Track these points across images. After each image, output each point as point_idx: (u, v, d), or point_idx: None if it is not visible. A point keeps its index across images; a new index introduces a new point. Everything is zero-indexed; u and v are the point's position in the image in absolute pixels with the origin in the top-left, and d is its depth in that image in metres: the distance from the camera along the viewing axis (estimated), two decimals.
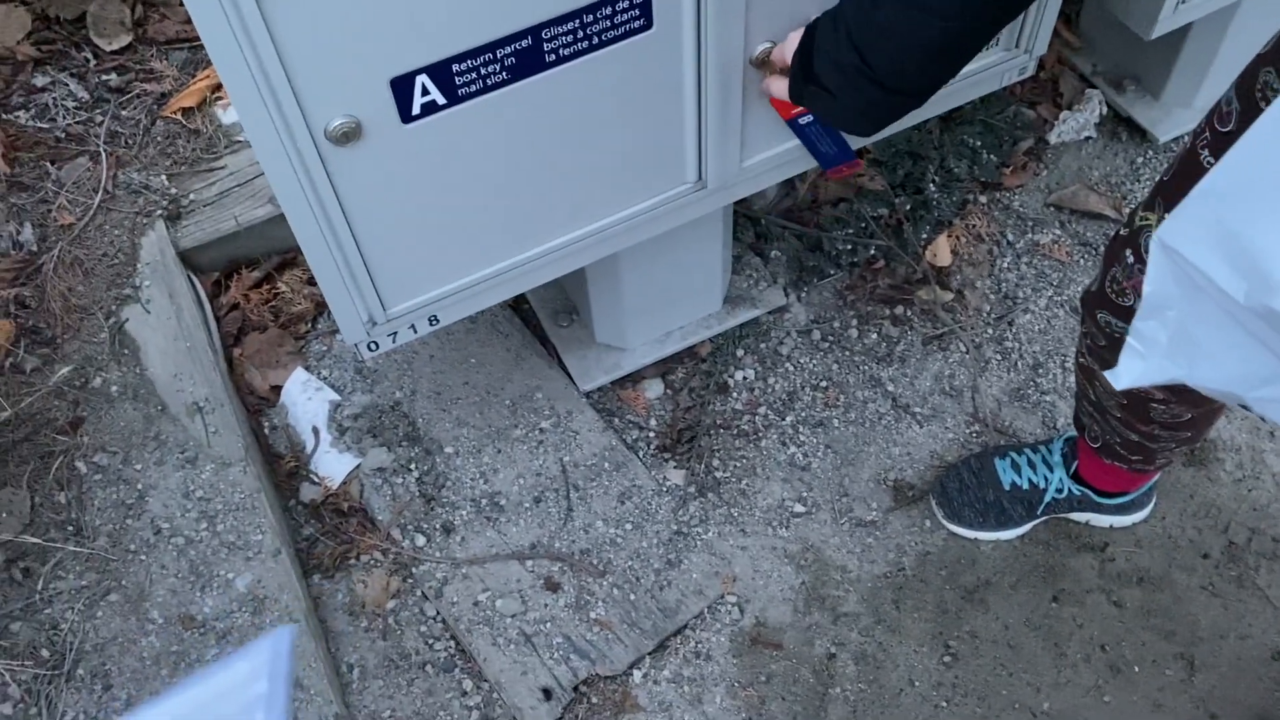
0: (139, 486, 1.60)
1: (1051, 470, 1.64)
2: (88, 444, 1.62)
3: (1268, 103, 0.97)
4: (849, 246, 1.89)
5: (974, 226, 1.95)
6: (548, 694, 1.55)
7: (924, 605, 1.65)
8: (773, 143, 1.35)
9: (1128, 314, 1.19)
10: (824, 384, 1.82)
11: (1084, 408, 1.44)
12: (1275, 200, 0.67)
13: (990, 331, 1.87)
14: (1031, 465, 1.65)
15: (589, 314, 1.75)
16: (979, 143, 1.95)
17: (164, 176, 1.83)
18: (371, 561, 1.64)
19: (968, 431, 1.78)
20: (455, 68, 1.06)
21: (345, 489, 1.69)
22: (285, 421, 1.75)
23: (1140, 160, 2.02)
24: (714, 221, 1.61)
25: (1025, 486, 1.65)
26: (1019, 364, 1.84)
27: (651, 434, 1.77)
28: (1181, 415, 1.30)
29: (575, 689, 1.56)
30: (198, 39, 1.84)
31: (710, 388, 1.81)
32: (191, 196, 1.82)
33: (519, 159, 1.20)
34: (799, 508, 1.72)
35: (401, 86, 1.05)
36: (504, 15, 1.05)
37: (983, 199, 1.98)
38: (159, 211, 1.79)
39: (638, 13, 1.12)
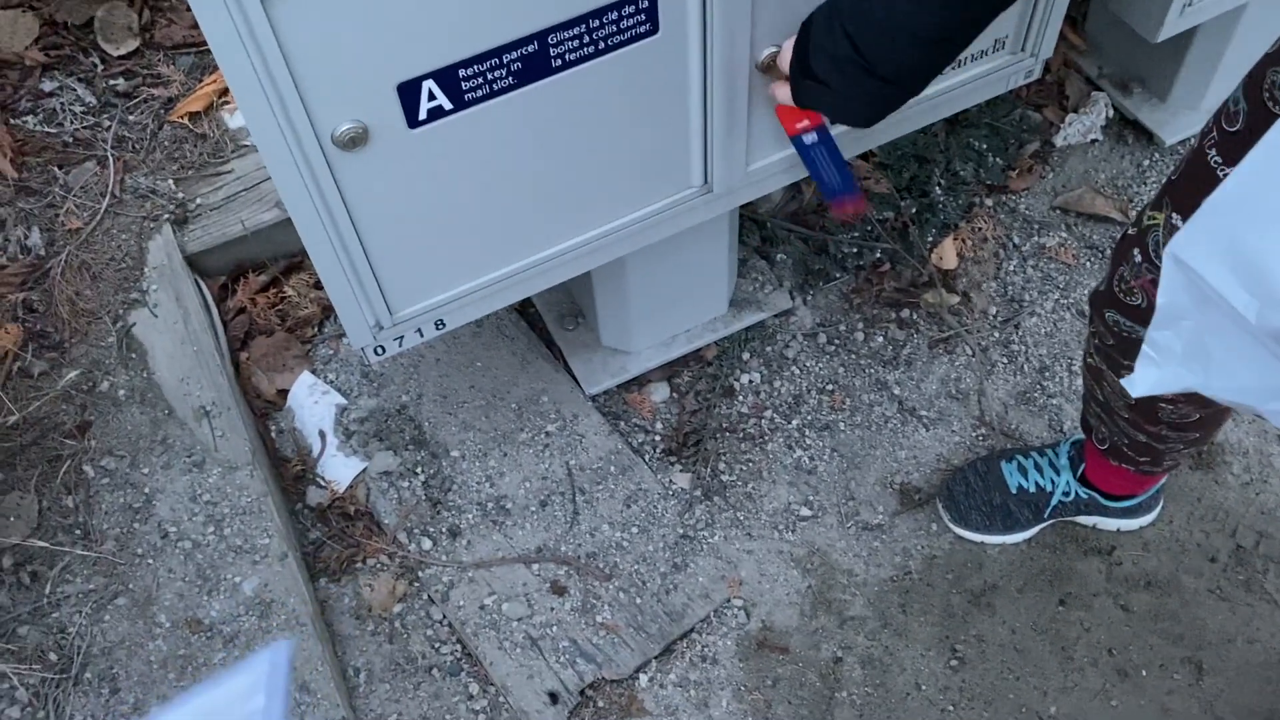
0: (146, 490, 1.60)
1: (1058, 473, 1.63)
2: (95, 448, 1.63)
3: (1275, 103, 0.97)
4: (855, 250, 1.89)
5: (980, 230, 1.94)
6: (554, 698, 1.55)
7: (930, 609, 1.64)
8: (778, 147, 1.35)
9: (1135, 313, 1.19)
10: (830, 387, 1.82)
11: (1091, 409, 1.44)
12: None
13: (996, 335, 1.86)
14: (1038, 468, 1.65)
15: (595, 317, 1.75)
16: (985, 146, 1.95)
17: (171, 181, 1.84)
18: (378, 565, 1.64)
19: (974, 435, 1.78)
20: (462, 73, 1.07)
21: (352, 493, 1.69)
22: (292, 425, 1.75)
23: (1146, 163, 2.01)
24: (720, 225, 1.61)
25: (1032, 490, 1.64)
26: (1025, 367, 1.84)
27: (657, 437, 1.77)
28: (1189, 416, 1.30)
29: (581, 693, 1.56)
30: (204, 44, 1.84)
31: (716, 391, 1.81)
32: (198, 201, 1.82)
33: (525, 164, 1.21)
34: (805, 511, 1.72)
35: (408, 92, 1.06)
36: (510, 21, 1.05)
37: (988, 202, 1.98)
38: (166, 216, 1.80)
39: (644, 18, 1.12)
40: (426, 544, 1.66)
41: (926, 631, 1.63)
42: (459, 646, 1.60)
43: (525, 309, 1.86)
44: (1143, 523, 1.68)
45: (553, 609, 1.61)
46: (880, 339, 1.86)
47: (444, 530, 1.67)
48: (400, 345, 1.34)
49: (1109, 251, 1.94)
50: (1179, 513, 1.71)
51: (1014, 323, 1.87)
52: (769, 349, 1.84)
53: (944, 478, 1.73)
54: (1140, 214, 1.18)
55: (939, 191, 1.92)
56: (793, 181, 1.47)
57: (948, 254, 1.91)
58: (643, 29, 1.13)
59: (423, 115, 1.09)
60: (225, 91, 1.91)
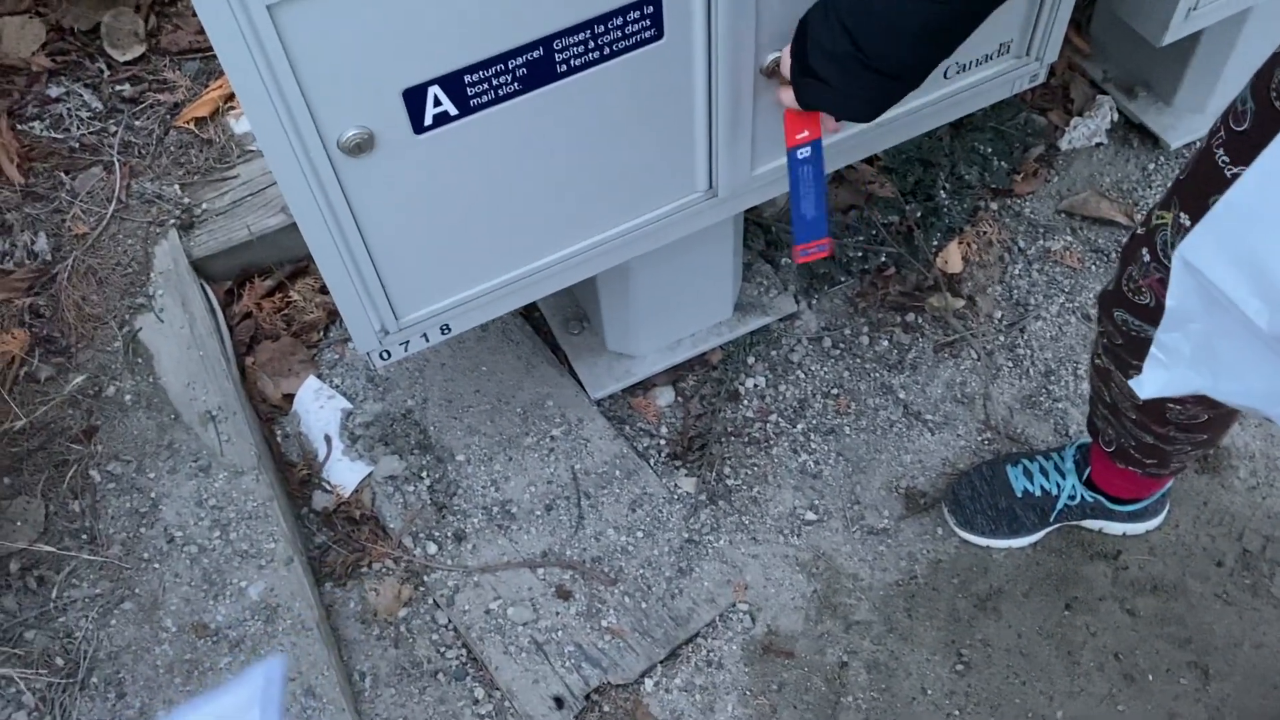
0: (152, 495, 1.61)
1: (1064, 477, 1.63)
2: (101, 452, 1.63)
3: None
4: (859, 254, 1.89)
5: (985, 233, 1.94)
6: (559, 702, 1.55)
7: (936, 613, 1.64)
8: (783, 152, 1.35)
9: (1144, 312, 1.19)
10: (835, 391, 1.82)
11: (1098, 411, 1.44)
12: None
13: (1002, 338, 1.86)
14: (1044, 472, 1.65)
15: (600, 322, 1.75)
16: (990, 149, 1.95)
17: (177, 186, 1.84)
18: (383, 569, 1.65)
19: (979, 439, 1.78)
20: (467, 79, 1.07)
21: (357, 497, 1.69)
22: (297, 430, 1.75)
23: (1152, 166, 2.01)
24: (724, 229, 1.61)
25: (1037, 493, 1.64)
26: (1031, 371, 1.84)
27: (662, 441, 1.77)
28: (1198, 417, 1.29)
29: (587, 697, 1.56)
30: (210, 49, 1.85)
31: (721, 395, 1.81)
32: (204, 206, 1.83)
33: (530, 169, 1.21)
34: (810, 515, 1.71)
35: (414, 97, 1.06)
36: (515, 26, 1.05)
37: (994, 206, 1.98)
38: (172, 221, 1.80)
39: (649, 23, 1.12)
40: (432, 548, 1.66)
41: (932, 636, 1.62)
42: (464, 651, 1.60)
43: (530, 313, 1.86)
44: (1149, 527, 1.68)
45: (558, 613, 1.61)
46: (885, 343, 1.86)
47: (449, 534, 1.67)
48: (406, 350, 1.34)
49: (1114, 255, 1.94)
50: (1185, 517, 1.70)
51: (1019, 326, 1.87)
52: (774, 353, 1.84)
53: (949, 482, 1.73)
54: (1149, 214, 1.18)
55: (944, 195, 1.92)
56: None
57: (953, 258, 1.90)
58: (648, 34, 1.13)
59: (428, 121, 1.09)
60: (231, 97, 1.92)
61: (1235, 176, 1.03)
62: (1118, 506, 1.63)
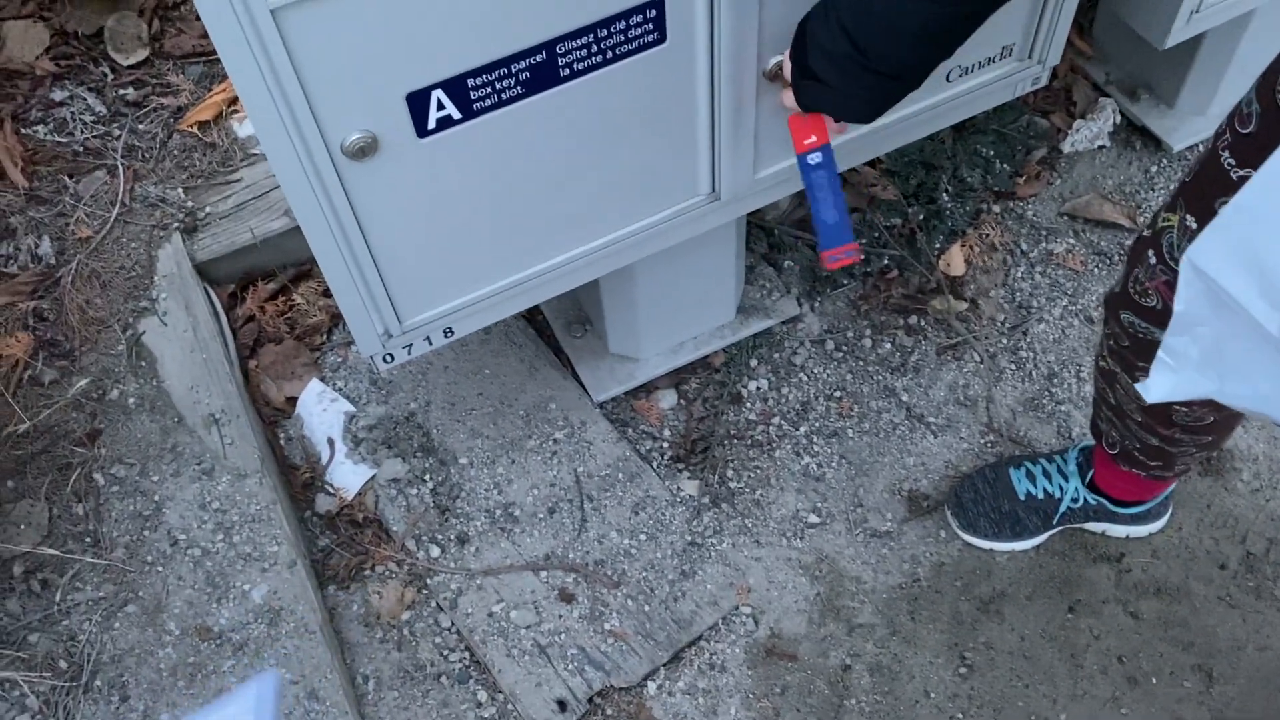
0: (156, 498, 1.61)
1: (1067, 479, 1.63)
2: (105, 456, 1.63)
3: None
4: (862, 256, 1.89)
5: (987, 236, 1.94)
6: (562, 705, 1.55)
7: (939, 616, 1.64)
8: (786, 155, 1.35)
9: (1151, 315, 1.19)
10: (838, 394, 1.82)
11: (1102, 413, 1.44)
12: None
13: (1004, 341, 1.86)
14: (1046, 475, 1.64)
15: (602, 325, 1.76)
16: (992, 152, 1.95)
17: (180, 190, 1.84)
18: (386, 572, 1.65)
19: (982, 441, 1.78)
20: (470, 83, 1.07)
21: (360, 500, 1.69)
22: (301, 433, 1.75)
23: (1154, 169, 2.01)
24: (727, 232, 1.61)
25: (1040, 496, 1.64)
26: (1033, 374, 1.84)
27: (665, 444, 1.77)
28: (1204, 419, 1.29)
29: (590, 700, 1.56)
30: (214, 53, 1.85)
31: (724, 398, 1.81)
32: (208, 209, 1.83)
33: (533, 172, 1.21)
34: (813, 518, 1.71)
35: (417, 101, 1.06)
36: (518, 31, 1.06)
37: (996, 208, 1.98)
38: (175, 224, 1.80)
39: (651, 27, 1.12)
40: (435, 551, 1.66)
41: (935, 639, 1.62)
42: (467, 654, 1.60)
43: (533, 316, 1.86)
44: (1152, 529, 1.68)
45: (561, 616, 1.61)
46: (888, 346, 1.86)
47: (452, 537, 1.67)
48: (409, 353, 1.34)
49: (1117, 258, 1.94)
50: (1188, 519, 1.70)
51: (1022, 329, 1.87)
52: (777, 356, 1.84)
53: (952, 484, 1.73)
54: (1154, 216, 1.18)
55: (946, 198, 1.92)
56: (800, 189, 1.48)
57: (955, 260, 1.91)
58: (650, 38, 1.13)
59: (431, 125, 1.09)
60: (234, 100, 1.92)
61: (1241, 178, 1.03)
62: (1120, 509, 1.62)
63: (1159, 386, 0.80)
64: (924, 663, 1.61)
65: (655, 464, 1.75)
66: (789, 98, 1.18)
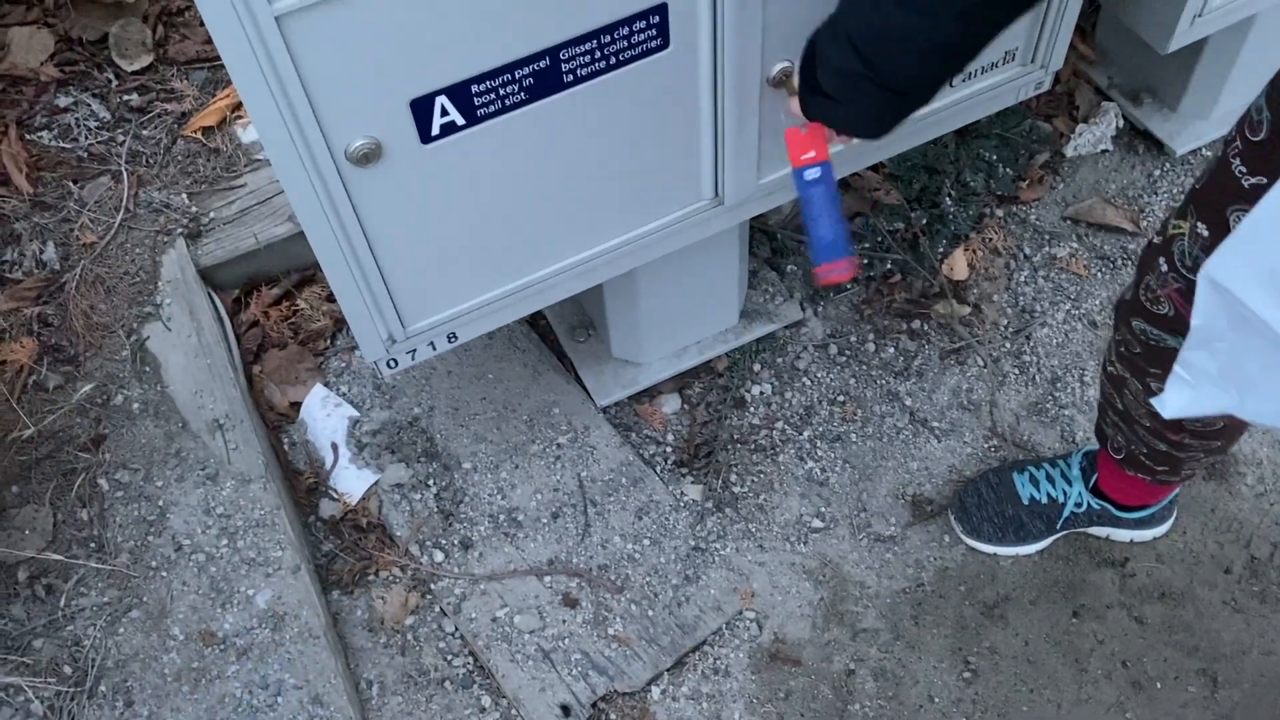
0: (160, 503, 1.61)
1: (1070, 484, 1.63)
2: (109, 461, 1.63)
3: None
4: (865, 261, 1.89)
5: (990, 240, 1.94)
6: (566, 710, 1.55)
7: (943, 621, 1.64)
8: (789, 160, 1.35)
9: (1163, 322, 1.19)
10: (841, 398, 1.82)
11: (1108, 418, 1.44)
12: None
13: (1008, 345, 1.86)
14: (1050, 479, 1.64)
15: (606, 329, 1.76)
16: (995, 156, 1.95)
17: (184, 195, 1.85)
18: (390, 577, 1.65)
19: (986, 446, 1.78)
20: (474, 89, 1.07)
21: (364, 505, 1.70)
22: (304, 438, 1.75)
23: (1157, 173, 2.01)
24: (730, 237, 1.61)
25: (1044, 501, 1.64)
26: (1037, 378, 1.83)
27: (668, 449, 1.78)
28: (1214, 423, 1.29)
29: (594, 705, 1.56)
30: (218, 59, 1.86)
31: (727, 402, 1.81)
32: (212, 215, 1.83)
33: (537, 178, 1.21)
34: (817, 523, 1.71)
35: (421, 107, 1.06)
36: (522, 37, 1.06)
37: (999, 213, 1.98)
38: (180, 230, 1.81)
39: (654, 33, 1.12)
40: (439, 556, 1.66)
41: (939, 643, 1.62)
42: (471, 659, 1.60)
43: (536, 321, 1.87)
44: (1156, 534, 1.67)
45: (564, 621, 1.61)
46: (891, 350, 1.86)
47: (456, 542, 1.67)
48: (413, 358, 1.34)
49: (1120, 262, 1.94)
50: (1192, 524, 1.70)
51: (1025, 334, 1.87)
52: (780, 360, 1.84)
53: (956, 489, 1.72)
54: (1164, 223, 1.18)
55: (949, 202, 1.92)
56: None
57: (958, 265, 1.90)
58: (654, 44, 1.13)
59: (435, 131, 1.09)
60: (238, 106, 1.92)
61: (1253, 186, 1.02)
62: (1125, 513, 1.62)
63: (1175, 402, 0.79)
64: (928, 668, 1.60)
65: (659, 468, 1.75)
66: (795, 105, 1.18)
